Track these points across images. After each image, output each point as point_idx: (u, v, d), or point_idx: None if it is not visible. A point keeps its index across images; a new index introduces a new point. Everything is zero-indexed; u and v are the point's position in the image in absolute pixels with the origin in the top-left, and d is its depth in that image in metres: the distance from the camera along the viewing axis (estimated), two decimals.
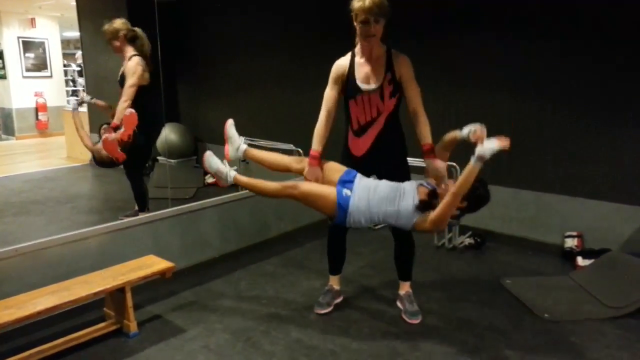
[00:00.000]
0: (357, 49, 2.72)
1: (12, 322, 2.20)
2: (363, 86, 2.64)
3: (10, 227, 4.43)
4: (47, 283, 2.56)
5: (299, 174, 2.74)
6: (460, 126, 4.18)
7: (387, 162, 2.73)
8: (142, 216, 3.49)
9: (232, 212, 3.80)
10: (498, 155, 4.22)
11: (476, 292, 3.17)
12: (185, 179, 5.89)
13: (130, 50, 3.93)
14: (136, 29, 3.99)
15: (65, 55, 11.44)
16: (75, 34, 10.18)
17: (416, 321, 2.78)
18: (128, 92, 3.78)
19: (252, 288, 3.25)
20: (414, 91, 2.63)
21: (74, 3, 7.17)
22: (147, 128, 3.97)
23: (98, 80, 7.12)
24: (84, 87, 4.26)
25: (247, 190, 4.19)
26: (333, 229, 3.03)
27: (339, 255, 3.03)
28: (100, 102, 4.29)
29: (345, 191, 2.51)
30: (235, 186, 5.83)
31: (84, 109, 4.34)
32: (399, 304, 2.93)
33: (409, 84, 2.63)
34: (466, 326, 2.73)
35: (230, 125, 2.93)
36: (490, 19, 4.00)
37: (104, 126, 4.13)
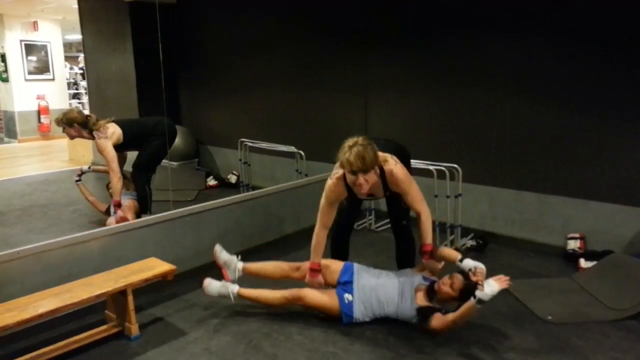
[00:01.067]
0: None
1: (14, 324, 2.20)
2: (365, 198, 2.87)
3: (12, 230, 4.44)
4: (49, 285, 2.57)
5: (299, 280, 2.91)
6: (461, 126, 4.20)
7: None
8: (145, 218, 3.50)
9: (233, 215, 3.80)
10: (500, 156, 4.21)
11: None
12: (187, 182, 5.90)
13: (86, 133, 4.11)
14: (89, 115, 4.21)
15: (67, 58, 11.48)
16: (77, 36, 10.21)
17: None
18: (111, 167, 4.02)
19: (252, 287, 3.23)
20: (412, 198, 2.75)
21: (76, 6, 7.20)
22: (157, 136, 4.20)
23: (100, 82, 7.16)
24: (82, 171, 4.60)
25: (248, 193, 4.21)
26: (337, 230, 3.04)
27: (343, 257, 3.04)
28: (99, 168, 4.57)
29: (347, 296, 2.74)
30: (236, 187, 5.83)
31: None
32: None
33: (407, 195, 2.75)
34: (468, 328, 2.72)
35: (219, 252, 3.05)
36: (492, 20, 3.99)
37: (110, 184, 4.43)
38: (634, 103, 3.47)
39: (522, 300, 3.06)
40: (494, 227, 4.19)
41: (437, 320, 2.58)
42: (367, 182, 2.52)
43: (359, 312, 2.73)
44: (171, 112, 5.75)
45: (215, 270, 3.10)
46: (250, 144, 5.45)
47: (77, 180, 4.58)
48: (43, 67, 10.10)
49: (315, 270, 2.82)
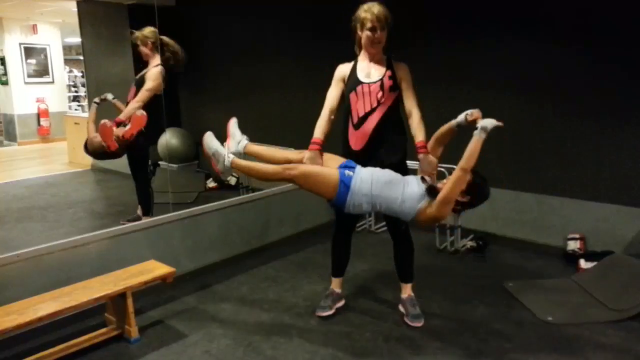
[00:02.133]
0: (360, 56, 2.84)
1: (13, 328, 2.20)
2: (365, 79, 2.75)
3: (12, 233, 4.44)
4: (48, 289, 2.56)
5: (299, 162, 2.68)
6: (461, 129, 4.19)
7: (385, 158, 2.72)
8: (144, 221, 3.50)
9: (233, 217, 3.80)
10: (500, 157, 4.22)
11: (478, 295, 3.16)
12: (187, 184, 5.89)
13: (156, 59, 4.08)
14: (164, 38, 4.13)
15: (71, 61, 11.49)
16: (76, 39, 10.22)
17: (419, 324, 2.77)
18: (144, 95, 3.92)
19: (253, 292, 3.24)
20: (410, 93, 2.76)
21: (76, 9, 7.20)
22: (150, 131, 4.08)
23: (99, 85, 7.14)
24: (105, 98, 4.42)
25: (248, 195, 4.21)
26: (338, 231, 3.03)
27: (343, 258, 3.02)
28: (120, 105, 4.38)
29: (347, 172, 2.48)
30: (235, 189, 5.83)
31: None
32: (401, 307, 2.92)
33: (406, 87, 2.76)
34: (469, 329, 2.72)
35: (233, 122, 2.93)
36: (492, 20, 4.00)
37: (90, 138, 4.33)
38: (633, 104, 3.47)
39: (522, 300, 3.05)
40: (493, 228, 4.18)
41: (443, 191, 2.33)
42: (380, 41, 2.68)
43: (357, 187, 2.41)
44: (171, 114, 5.76)
45: (214, 274, 3.10)
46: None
47: (96, 102, 4.39)
48: (42, 70, 10.10)
49: (316, 143, 2.68)
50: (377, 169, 2.53)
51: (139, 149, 4.10)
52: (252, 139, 5.98)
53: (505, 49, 3.95)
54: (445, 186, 2.34)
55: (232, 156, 2.66)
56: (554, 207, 3.89)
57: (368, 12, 2.63)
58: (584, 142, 3.70)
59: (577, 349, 2.54)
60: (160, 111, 4.22)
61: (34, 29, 9.87)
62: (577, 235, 3.73)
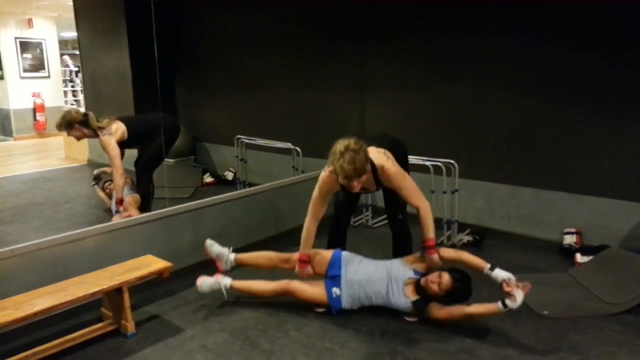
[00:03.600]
0: None
1: (8, 323, 2.19)
2: (360, 192, 2.84)
3: (7, 228, 4.42)
4: (44, 284, 2.55)
5: (289, 270, 2.96)
6: (458, 122, 4.20)
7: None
8: (141, 215, 3.49)
9: (230, 211, 3.79)
10: (497, 151, 4.22)
11: (475, 289, 3.14)
12: (184, 179, 5.88)
13: (89, 132, 4.07)
14: (86, 113, 4.13)
15: (62, 56, 11.43)
16: (72, 34, 10.17)
17: (414, 319, 2.77)
18: (114, 164, 4.01)
19: (245, 278, 3.23)
20: (407, 193, 2.73)
21: (72, 3, 7.16)
22: (159, 134, 4.17)
23: (95, 80, 7.12)
24: (95, 176, 4.72)
25: (245, 190, 4.20)
26: (334, 224, 3.04)
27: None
28: (107, 170, 4.62)
29: (335, 290, 2.79)
30: (232, 184, 5.81)
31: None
32: None
33: (400, 191, 2.74)
34: (465, 323, 2.72)
35: (210, 245, 3.11)
36: (489, 15, 3.99)
37: (106, 183, 4.66)
38: (629, 98, 3.47)
39: None
40: (490, 223, 4.19)
41: (439, 310, 2.64)
42: (360, 183, 2.56)
43: (347, 303, 2.79)
44: (167, 109, 5.74)
45: (211, 268, 3.10)
46: (246, 141, 5.44)
47: (93, 185, 4.85)
48: (38, 65, 10.05)
49: (304, 261, 2.87)
50: (363, 280, 2.77)
51: (157, 150, 4.20)
52: (249, 134, 6.00)
53: (502, 45, 3.94)
54: (440, 315, 2.65)
55: (229, 281, 2.96)
56: (551, 202, 3.89)
57: (339, 161, 2.47)
58: (580, 137, 3.70)
59: (573, 343, 2.55)
60: (147, 122, 4.27)
61: (29, 23, 9.81)
62: (573, 230, 3.74)
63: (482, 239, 3.97)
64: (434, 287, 2.61)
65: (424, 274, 2.72)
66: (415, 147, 3.71)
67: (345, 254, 2.91)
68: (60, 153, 8.19)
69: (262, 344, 2.55)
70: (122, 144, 4.06)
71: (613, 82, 3.52)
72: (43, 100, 10.05)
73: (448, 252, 2.77)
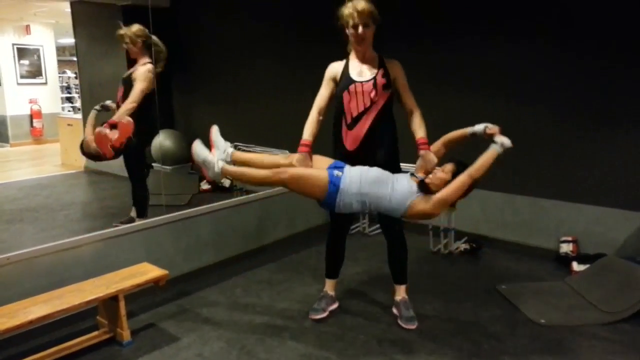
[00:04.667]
0: (351, 55, 2.81)
1: (3, 331, 2.18)
2: (357, 78, 2.73)
3: (3, 235, 4.40)
4: (39, 291, 2.54)
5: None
6: (453, 130, 4.21)
7: (379, 158, 2.73)
8: (137, 223, 3.48)
9: (227, 219, 3.78)
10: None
11: (472, 297, 3.16)
12: (180, 186, 5.87)
13: (145, 57, 4.02)
14: (153, 37, 4.05)
15: (60, 62, 11.43)
16: (70, 40, 10.17)
17: (412, 327, 2.77)
18: (137, 95, 3.86)
19: (247, 295, 3.23)
20: (407, 91, 2.76)
21: (69, 10, 7.17)
22: (145, 131, 4.04)
23: (93, 86, 7.12)
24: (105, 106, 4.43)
25: (242, 197, 4.20)
26: (332, 233, 3.02)
27: (337, 260, 3.02)
28: (112, 105, 4.35)
29: (337, 172, 2.49)
30: (229, 190, 5.82)
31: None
32: (394, 310, 2.92)
33: (402, 86, 2.75)
34: (462, 332, 2.72)
35: (215, 131, 2.87)
36: (485, 23, 4.02)
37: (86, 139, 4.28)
38: (625, 107, 3.49)
39: (515, 303, 3.06)
40: (487, 231, 4.20)
41: (445, 189, 2.36)
42: (365, 38, 2.61)
43: (346, 186, 2.43)
44: (164, 115, 5.75)
45: (207, 276, 3.09)
46: (243, 148, 5.43)
47: (96, 109, 4.34)
48: (35, 71, 10.05)
49: (306, 145, 2.67)
50: (366, 168, 2.53)
51: (133, 151, 4.04)
52: (246, 141, 6.00)
53: (497, 52, 3.97)
54: (448, 188, 2.36)
55: (222, 162, 2.65)
56: (547, 210, 3.90)
57: (350, 8, 2.57)
58: (576, 145, 3.72)
59: (570, 351, 2.55)
60: (153, 112, 4.20)
61: (27, 29, 9.82)
62: (569, 238, 3.74)
63: (478, 247, 3.98)
64: (440, 174, 2.43)
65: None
66: (410, 154, 3.69)
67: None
68: (57, 160, 8.16)
69: (258, 353, 2.54)
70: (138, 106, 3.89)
71: (608, 90, 3.54)
72: (40, 107, 10.04)
73: (435, 146, 2.68)
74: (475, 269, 3.69)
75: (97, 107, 4.35)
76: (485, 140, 2.52)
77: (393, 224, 3.04)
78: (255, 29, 5.73)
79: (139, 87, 3.88)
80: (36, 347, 2.52)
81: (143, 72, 3.93)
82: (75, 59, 7.91)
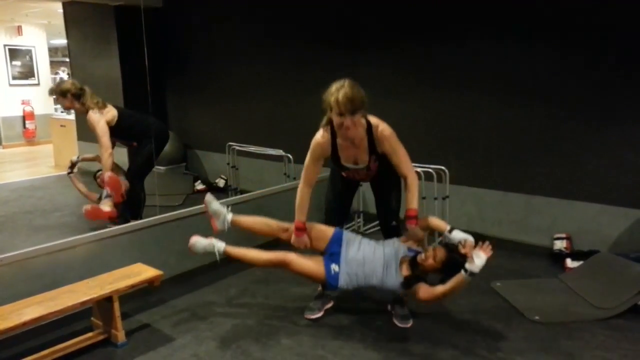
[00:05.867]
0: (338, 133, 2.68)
1: None
2: (350, 166, 2.77)
3: None
4: (33, 293, 2.52)
5: (286, 241, 2.86)
6: (448, 128, 4.22)
7: (378, 182, 2.88)
8: (131, 224, 3.46)
9: None
10: (487, 157, 4.24)
11: (466, 295, 3.16)
12: (175, 186, 5.86)
13: (80, 107, 4.04)
14: (83, 87, 4.07)
15: (52, 63, 11.37)
16: (62, 41, 10.12)
17: (407, 325, 2.78)
18: (102, 142, 3.95)
19: (242, 295, 3.22)
20: (399, 160, 2.70)
21: (61, 10, 7.14)
22: (150, 139, 4.12)
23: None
24: (72, 163, 4.54)
25: (237, 197, 4.19)
26: (328, 214, 3.04)
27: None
28: (88, 156, 4.53)
29: (333, 267, 2.71)
30: (224, 191, 5.78)
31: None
32: (389, 308, 2.92)
33: (393, 155, 2.70)
34: (457, 329, 2.73)
35: (210, 201, 2.98)
36: (478, 22, 4.03)
37: (99, 173, 4.41)
38: (618, 104, 3.51)
39: (509, 300, 3.07)
40: (481, 228, 4.20)
41: (424, 292, 2.55)
42: (354, 125, 2.50)
43: (344, 282, 2.69)
44: (158, 116, 5.72)
45: (202, 276, 3.09)
46: (238, 148, 5.43)
47: (69, 173, 4.51)
48: (28, 72, 9.99)
49: (300, 229, 2.77)
50: (361, 257, 2.70)
51: (147, 153, 4.15)
52: (241, 141, 5.99)
53: (491, 51, 3.98)
54: (427, 294, 2.56)
55: (222, 246, 2.84)
56: (541, 207, 3.92)
57: (334, 96, 2.47)
58: (569, 143, 3.74)
59: (564, 347, 2.56)
60: (138, 118, 4.23)
61: (18, 30, 9.76)
62: (563, 235, 3.76)
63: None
64: (430, 261, 2.57)
65: (418, 252, 2.68)
66: (409, 154, 3.73)
67: (346, 233, 2.84)
68: (50, 161, 8.12)
69: (253, 353, 2.54)
70: (110, 130, 4.00)
71: (600, 88, 3.56)
72: (32, 108, 9.98)
73: (420, 223, 2.75)
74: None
75: (69, 170, 4.54)
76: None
77: (390, 222, 3.05)
78: (249, 29, 5.72)
79: (98, 134, 3.95)
80: (30, 349, 2.51)
81: (91, 123, 3.98)
82: (67, 59, 7.87)
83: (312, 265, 2.72)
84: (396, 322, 2.81)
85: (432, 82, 4.33)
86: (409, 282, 2.62)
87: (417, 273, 2.64)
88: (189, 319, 2.90)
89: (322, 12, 4.96)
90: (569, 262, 3.51)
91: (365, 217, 4.53)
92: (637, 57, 3.39)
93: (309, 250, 2.85)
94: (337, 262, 2.71)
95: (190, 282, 3.38)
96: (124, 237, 3.16)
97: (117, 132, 4.09)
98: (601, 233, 3.64)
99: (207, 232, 3.66)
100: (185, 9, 6.39)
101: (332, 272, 2.70)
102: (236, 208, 3.89)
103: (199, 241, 2.85)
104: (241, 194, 4.87)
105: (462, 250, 2.50)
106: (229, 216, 2.92)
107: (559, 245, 3.74)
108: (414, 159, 3.92)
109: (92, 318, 2.72)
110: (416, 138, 4.42)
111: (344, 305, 3.04)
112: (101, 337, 2.63)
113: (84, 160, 4.58)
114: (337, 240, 2.79)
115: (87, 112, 3.98)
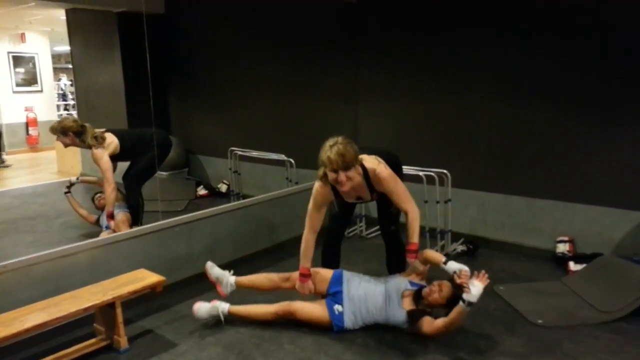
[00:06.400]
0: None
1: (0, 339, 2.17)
2: (355, 202, 2.93)
3: None
4: (36, 299, 2.53)
5: (290, 289, 2.92)
6: (450, 132, 4.22)
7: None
8: (134, 229, 3.47)
9: (224, 224, 3.78)
10: (489, 160, 4.24)
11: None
12: (177, 192, 5.87)
13: (80, 142, 4.04)
14: (84, 125, 4.06)
15: (55, 70, 11.42)
16: (65, 48, 10.17)
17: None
18: (107, 177, 3.98)
19: (244, 300, 3.21)
20: (398, 197, 2.74)
21: (64, 17, 7.18)
22: (152, 147, 4.13)
23: (89, 93, 7.13)
24: (70, 183, 4.54)
25: (239, 202, 4.20)
26: (328, 237, 3.04)
27: (334, 263, 3.04)
28: (88, 179, 4.58)
29: (337, 307, 2.76)
30: (226, 196, 5.79)
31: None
32: None
33: (392, 195, 2.75)
34: (460, 333, 2.72)
35: (210, 268, 3.06)
36: (480, 24, 4.03)
37: (97, 195, 4.47)
38: (620, 107, 3.51)
39: (512, 304, 3.06)
40: (484, 232, 4.20)
41: (428, 325, 2.59)
42: (349, 179, 2.53)
43: (349, 322, 2.74)
44: (161, 121, 5.74)
45: (204, 281, 3.08)
46: (240, 153, 5.44)
47: (66, 192, 4.53)
48: (31, 79, 10.03)
49: (305, 275, 2.83)
50: (363, 294, 2.75)
51: (150, 162, 4.16)
52: (243, 146, 5.99)
53: (493, 54, 3.98)
54: (430, 328, 2.59)
55: (233, 278, 2.98)
56: (543, 210, 3.91)
57: (326, 153, 2.51)
58: (571, 145, 3.73)
59: (568, 351, 2.55)
60: (140, 137, 4.23)
61: (22, 37, 9.81)
62: (566, 238, 3.75)
63: (475, 249, 3.98)
64: (435, 296, 2.60)
65: (421, 286, 2.72)
66: (408, 157, 3.72)
67: (346, 272, 2.90)
68: (53, 167, 8.15)
69: (256, 358, 2.54)
70: (113, 158, 4.04)
71: (602, 91, 3.55)
72: (36, 115, 10.02)
73: (420, 256, 2.79)
74: (472, 270, 3.68)
75: (65, 189, 4.53)
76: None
77: (390, 227, 3.07)
78: (250, 35, 5.74)
79: (102, 169, 3.97)
80: (33, 356, 2.51)
81: (94, 159, 3.98)
82: (70, 66, 7.91)
83: (316, 310, 2.78)
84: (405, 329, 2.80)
85: (435, 86, 4.32)
86: (413, 316, 2.64)
87: (421, 307, 2.66)
88: (192, 324, 2.90)
89: (323, 15, 4.97)
90: (572, 265, 3.50)
91: (367, 221, 4.53)
92: (639, 58, 3.39)
93: (312, 296, 2.90)
94: (340, 301, 2.76)
95: (193, 287, 3.38)
96: (126, 243, 3.17)
97: (123, 155, 4.14)
98: (604, 236, 3.63)
99: (208, 236, 3.68)
100: (187, 15, 6.42)
101: (336, 312, 2.75)
102: (238, 213, 3.92)
103: (202, 307, 2.89)
104: (243, 199, 4.88)
105: (458, 281, 2.52)
106: (232, 279, 3.01)
107: (562, 248, 3.73)
108: (416, 162, 3.96)
109: (94, 324, 2.73)
110: (418, 141, 4.43)
111: None
112: (104, 344, 2.64)
113: (82, 182, 4.64)
114: (337, 280, 2.84)
115: (89, 148, 4.00)
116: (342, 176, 2.50)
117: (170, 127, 6.74)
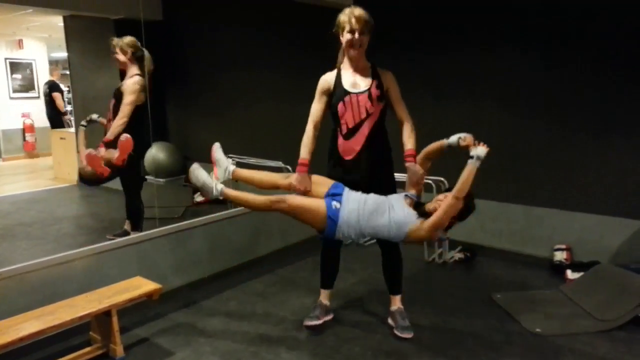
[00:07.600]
0: (343, 64, 2.82)
1: None
2: (351, 89, 2.73)
3: None
4: (31, 307, 2.51)
5: (286, 189, 2.76)
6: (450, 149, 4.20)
7: (375, 170, 2.75)
8: (130, 237, 3.46)
9: (221, 231, 3.77)
10: (487, 168, 4.25)
11: (467, 307, 3.15)
12: (174, 198, 5.84)
13: (134, 69, 3.97)
14: (144, 49, 4.00)
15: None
16: (63, 54, 10.18)
17: (408, 336, 2.76)
18: (125, 109, 3.82)
19: (241, 308, 3.21)
20: (399, 102, 2.77)
21: (62, 24, 7.18)
22: (140, 145, 4.00)
23: (86, 100, 7.11)
24: (91, 119, 4.32)
25: (236, 209, 4.19)
26: (327, 242, 3.02)
27: (332, 269, 3.01)
28: (104, 120, 4.31)
29: (335, 204, 2.56)
30: (223, 203, 5.79)
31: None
32: (390, 320, 2.91)
33: (395, 96, 2.76)
34: (458, 342, 2.71)
35: (216, 148, 2.96)
36: (479, 32, 4.06)
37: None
38: (618, 116, 3.52)
39: (510, 312, 3.06)
40: (481, 240, 4.20)
41: (434, 210, 2.45)
42: (361, 47, 2.64)
43: (344, 220, 2.52)
44: (158, 128, 5.74)
45: (201, 290, 3.08)
46: (237, 160, 5.43)
47: (83, 125, 4.33)
48: (28, 85, 10.03)
49: (304, 164, 2.71)
50: (363, 198, 2.57)
51: (128, 165, 4.00)
52: (240, 153, 5.98)
53: (492, 62, 4.00)
54: (438, 212, 2.42)
55: (221, 186, 2.75)
56: (541, 218, 3.92)
57: (348, 14, 2.62)
58: (569, 154, 3.75)
59: None
60: (145, 124, 4.18)
61: (19, 43, 9.82)
62: (563, 246, 3.76)
63: (473, 256, 3.98)
64: (439, 203, 2.49)
65: (419, 199, 2.62)
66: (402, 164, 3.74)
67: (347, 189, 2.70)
68: (50, 174, 8.11)
69: None
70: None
71: (601, 99, 3.57)
72: (33, 121, 9.99)
73: (419, 159, 2.70)
74: (469, 278, 3.68)
75: (84, 122, 4.32)
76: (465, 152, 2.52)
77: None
78: (248, 40, 5.75)
79: (127, 100, 3.84)
80: None
81: (130, 84, 3.89)
82: (68, 72, 7.91)
83: (311, 201, 2.60)
84: (397, 332, 2.79)
85: (433, 93, 4.34)
86: (419, 210, 2.50)
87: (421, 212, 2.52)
88: (188, 332, 2.88)
89: (323, 20, 4.98)
90: (570, 274, 3.50)
91: None
92: (639, 66, 3.41)
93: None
94: (339, 200, 2.58)
95: (190, 295, 3.36)
96: (122, 250, 3.15)
97: (132, 118, 3.96)
98: (601, 244, 3.63)
99: (205, 243, 3.67)
100: (185, 22, 6.43)
101: (333, 207, 2.54)
102: (235, 221, 3.91)
103: (201, 173, 2.77)
104: (241, 206, 4.86)
105: (463, 144, 2.49)
106: (231, 167, 2.88)
107: (559, 256, 3.73)
108: None
109: (90, 332, 2.71)
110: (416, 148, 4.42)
111: (344, 318, 3.03)
112: (100, 352, 2.62)
113: (102, 124, 4.32)
114: (339, 186, 2.67)
115: (133, 76, 3.89)
116: (357, 37, 2.59)
117: (167, 134, 6.74)
